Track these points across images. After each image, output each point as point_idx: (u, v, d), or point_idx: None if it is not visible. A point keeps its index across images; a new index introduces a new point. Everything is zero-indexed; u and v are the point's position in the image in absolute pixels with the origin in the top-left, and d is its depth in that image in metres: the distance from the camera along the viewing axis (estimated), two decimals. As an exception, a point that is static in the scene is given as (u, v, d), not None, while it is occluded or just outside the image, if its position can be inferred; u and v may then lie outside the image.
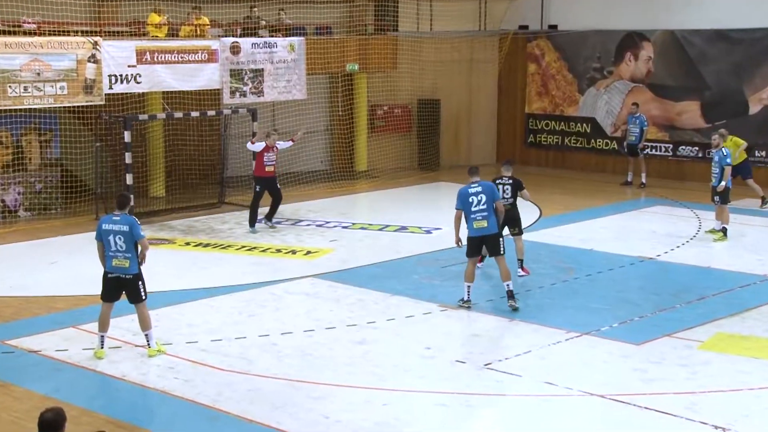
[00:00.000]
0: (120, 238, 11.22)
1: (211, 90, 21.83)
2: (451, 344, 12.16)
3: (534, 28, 27.15)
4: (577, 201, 22.02)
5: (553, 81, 27.01)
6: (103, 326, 11.52)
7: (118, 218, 11.34)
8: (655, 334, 12.32)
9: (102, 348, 11.50)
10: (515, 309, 13.19)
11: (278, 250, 17.06)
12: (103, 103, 19.73)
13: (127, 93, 20.52)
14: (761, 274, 15.32)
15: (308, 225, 19.25)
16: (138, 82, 20.05)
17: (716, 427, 9.45)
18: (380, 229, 18.85)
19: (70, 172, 20.76)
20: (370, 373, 11.03)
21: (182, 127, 22.47)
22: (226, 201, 21.35)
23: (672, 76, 24.86)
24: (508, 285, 13.31)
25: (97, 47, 19.33)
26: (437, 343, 12.02)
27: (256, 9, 22.99)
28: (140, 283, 11.43)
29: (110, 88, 19.65)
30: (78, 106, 19.96)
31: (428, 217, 19.73)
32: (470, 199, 13.18)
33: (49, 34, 19.10)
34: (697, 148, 24.45)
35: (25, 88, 18.46)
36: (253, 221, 18.61)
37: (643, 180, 23.65)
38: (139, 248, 11.36)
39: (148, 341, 11.54)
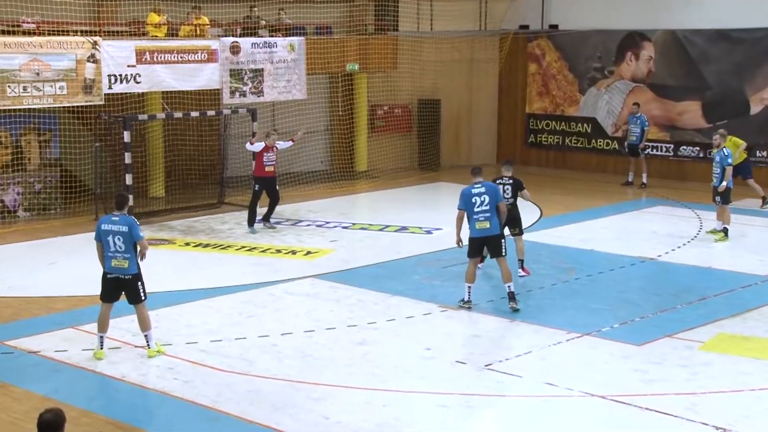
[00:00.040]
0: (119, 239, 11.19)
1: (210, 90, 21.81)
2: (451, 345, 12.14)
3: (534, 28, 27.12)
4: (577, 201, 21.99)
5: (554, 81, 26.99)
6: (103, 327, 11.49)
7: (118, 218, 11.31)
8: (656, 334, 12.30)
9: (101, 349, 11.48)
10: (516, 311, 13.16)
11: (278, 251, 17.03)
12: (102, 103, 19.70)
13: (126, 93, 20.49)
14: (762, 275, 15.29)
15: (308, 225, 19.22)
16: (137, 82, 20.02)
17: (717, 428, 9.42)
18: (380, 230, 18.82)
19: (69, 172, 20.73)
20: (371, 373, 11.00)
21: (182, 127, 22.45)
22: (225, 201, 21.33)
23: (673, 76, 24.83)
24: (509, 287, 13.28)
25: (97, 47, 19.30)
26: (437, 344, 11.99)
27: (255, 9, 22.97)
28: (139, 283, 11.40)
29: (110, 88, 19.63)
30: (77, 106, 19.94)
31: (428, 218, 19.71)
32: (473, 200, 13.15)
33: (49, 34, 19.08)
34: (698, 149, 24.42)
35: (25, 88, 18.44)
36: (251, 221, 18.59)
37: (644, 180, 23.63)
38: (138, 249, 11.33)
39: (147, 342, 11.51)
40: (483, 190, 13.22)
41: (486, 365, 11.24)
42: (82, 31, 19.82)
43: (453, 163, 26.77)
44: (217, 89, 21.60)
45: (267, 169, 18.55)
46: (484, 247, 13.52)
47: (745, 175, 20.27)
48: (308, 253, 16.91)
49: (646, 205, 21.67)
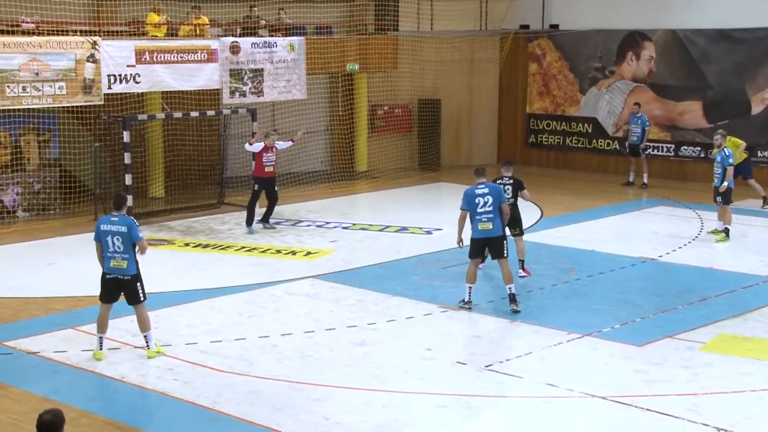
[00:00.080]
0: (118, 239, 11.16)
1: (210, 90, 21.78)
2: (451, 345, 12.11)
3: (535, 28, 27.09)
4: (578, 201, 21.96)
5: (555, 81, 26.96)
6: (102, 327, 11.47)
7: (117, 219, 11.28)
8: (657, 335, 12.27)
9: (101, 349, 11.46)
10: (517, 312, 13.12)
11: (278, 251, 17.00)
12: (102, 103, 19.68)
13: (126, 93, 20.46)
14: (763, 275, 15.27)
15: (308, 226, 19.19)
16: (137, 82, 19.99)
17: (718, 429, 9.39)
18: (380, 230, 18.79)
19: (68, 172, 20.71)
20: (371, 374, 10.98)
21: (181, 128, 22.42)
22: (225, 201, 21.30)
23: (674, 76, 24.80)
24: (510, 288, 13.25)
25: (96, 47, 19.27)
26: (438, 345, 11.97)
27: (255, 8, 22.94)
28: (138, 284, 11.37)
29: (109, 88, 19.60)
30: (77, 106, 19.91)
31: (429, 218, 19.68)
32: (476, 200, 13.12)
33: (48, 34, 19.04)
34: (699, 149, 24.39)
35: (24, 88, 18.41)
36: (249, 221, 18.55)
37: (645, 180, 23.60)
38: (138, 249, 11.31)
39: (147, 342, 11.48)
40: (487, 190, 13.19)
41: (486, 366, 11.22)
42: (81, 31, 19.79)
43: (453, 164, 26.76)
44: (217, 89, 21.57)
45: (266, 169, 18.52)
46: (485, 248, 13.48)
47: (745, 175, 20.24)
48: (308, 253, 16.88)
49: (646, 205, 21.64)
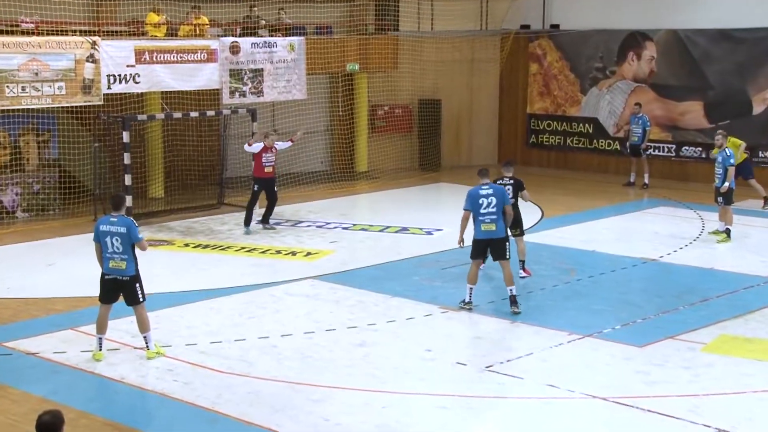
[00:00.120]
0: (117, 240, 11.13)
1: (210, 90, 21.76)
2: (452, 346, 12.07)
3: (536, 28, 27.07)
4: (579, 202, 21.94)
5: (555, 81, 26.93)
6: (102, 328, 11.44)
7: (116, 219, 11.25)
8: (658, 336, 12.25)
9: (100, 350, 11.43)
10: (517, 314, 13.08)
11: (278, 252, 16.98)
12: (101, 103, 19.65)
13: (125, 93, 20.44)
14: (765, 276, 15.24)
15: (308, 226, 19.16)
16: (137, 82, 19.97)
17: (719, 430, 9.37)
18: (381, 231, 18.76)
19: (68, 172, 20.68)
20: (371, 375, 10.95)
21: (181, 128, 22.40)
22: (225, 202, 21.28)
23: (675, 76, 24.77)
24: (511, 290, 13.21)
25: (96, 47, 19.25)
26: (438, 345, 11.94)
27: (255, 8, 22.92)
28: (137, 285, 11.34)
29: (109, 88, 19.57)
30: (76, 107, 19.89)
31: (429, 218, 19.65)
32: (480, 201, 13.08)
33: (48, 34, 19.02)
34: (700, 149, 24.35)
35: (23, 88, 18.38)
36: (248, 221, 18.52)
37: (646, 181, 23.57)
38: (137, 250, 11.28)
39: (146, 343, 11.46)
40: (491, 191, 13.14)
41: (487, 367, 11.19)
42: (81, 31, 19.77)
43: (454, 164, 26.74)
44: (217, 89, 21.55)
45: (266, 169, 18.49)
46: (487, 249, 13.44)
47: (746, 175, 20.19)
48: (308, 254, 16.85)
49: (647, 205, 21.62)
